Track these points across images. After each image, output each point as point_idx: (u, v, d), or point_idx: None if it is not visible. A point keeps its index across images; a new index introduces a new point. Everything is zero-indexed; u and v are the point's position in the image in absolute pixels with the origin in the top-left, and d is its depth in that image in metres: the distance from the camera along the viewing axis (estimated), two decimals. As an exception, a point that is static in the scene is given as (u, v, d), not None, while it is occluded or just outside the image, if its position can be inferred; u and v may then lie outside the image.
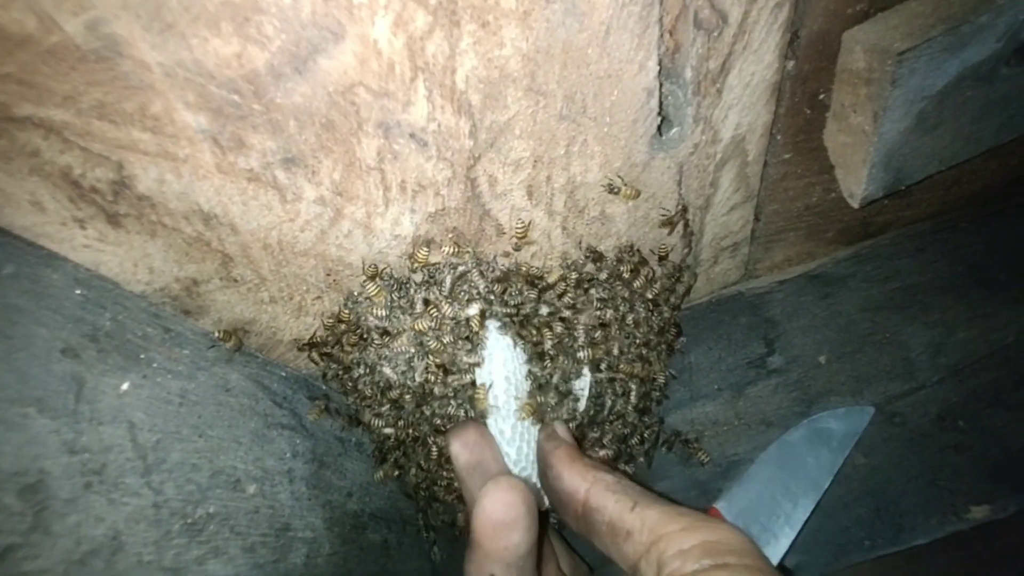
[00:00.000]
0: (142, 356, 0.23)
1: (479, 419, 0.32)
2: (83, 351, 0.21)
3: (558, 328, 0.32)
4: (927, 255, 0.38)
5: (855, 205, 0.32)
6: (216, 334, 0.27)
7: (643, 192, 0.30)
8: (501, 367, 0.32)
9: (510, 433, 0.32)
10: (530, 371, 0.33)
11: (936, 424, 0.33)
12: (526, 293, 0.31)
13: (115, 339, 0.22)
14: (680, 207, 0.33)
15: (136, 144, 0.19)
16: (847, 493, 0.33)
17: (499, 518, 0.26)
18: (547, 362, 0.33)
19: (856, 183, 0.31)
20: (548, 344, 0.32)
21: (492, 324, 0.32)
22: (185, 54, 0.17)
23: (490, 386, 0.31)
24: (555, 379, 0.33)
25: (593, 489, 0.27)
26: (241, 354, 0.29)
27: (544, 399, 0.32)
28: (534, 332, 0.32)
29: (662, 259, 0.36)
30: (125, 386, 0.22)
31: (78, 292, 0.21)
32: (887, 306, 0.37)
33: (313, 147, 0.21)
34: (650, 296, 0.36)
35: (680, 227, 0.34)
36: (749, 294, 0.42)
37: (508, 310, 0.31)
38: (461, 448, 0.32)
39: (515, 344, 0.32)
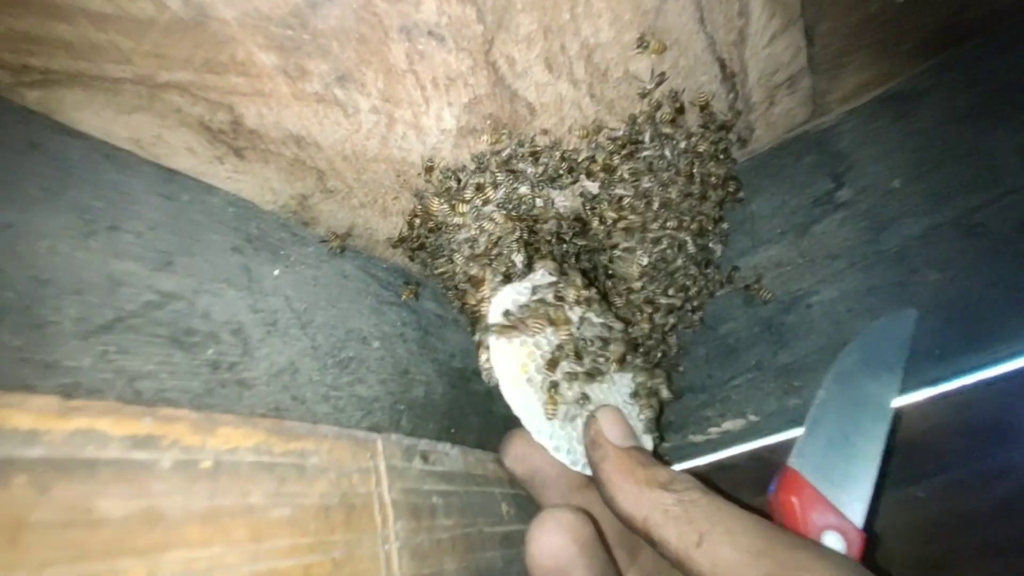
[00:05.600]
0: (281, 252, 0.32)
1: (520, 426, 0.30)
2: (244, 249, 0.29)
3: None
4: (1021, 50, 0.33)
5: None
6: (328, 238, 0.35)
7: (666, 41, 0.30)
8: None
9: (548, 431, 0.31)
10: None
11: (1020, 230, 0.31)
12: (560, 163, 0.34)
13: (262, 241, 0.31)
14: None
15: (236, 88, 0.26)
16: (917, 309, 0.33)
17: (549, 566, 0.23)
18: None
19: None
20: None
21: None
22: (247, 4, 0.23)
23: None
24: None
25: (651, 519, 0.23)
26: (351, 251, 0.37)
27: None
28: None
29: (703, 109, 0.36)
30: (276, 272, 0.30)
31: (231, 210, 0.30)
32: (970, 115, 0.33)
33: (356, 62, 0.26)
34: (701, 150, 0.37)
35: (718, 69, 0.34)
36: (815, 131, 0.39)
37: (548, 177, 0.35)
38: (513, 463, 0.31)
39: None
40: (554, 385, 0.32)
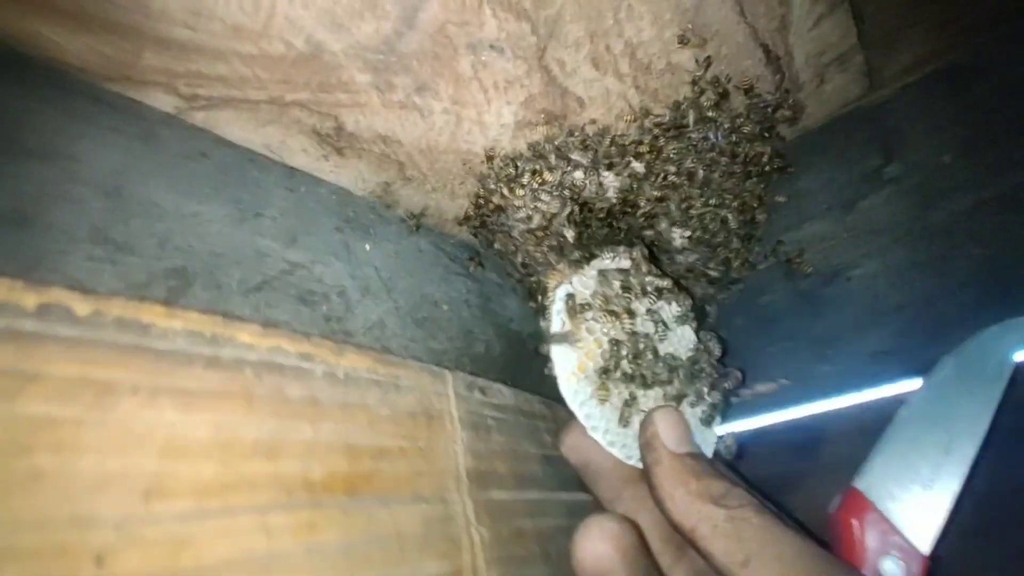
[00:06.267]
0: (371, 231, 0.39)
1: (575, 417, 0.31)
2: (344, 229, 0.37)
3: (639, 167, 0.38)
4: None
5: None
6: (406, 218, 0.42)
7: (706, 35, 0.33)
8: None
9: (604, 426, 0.31)
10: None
11: None
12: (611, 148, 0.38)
13: (356, 222, 0.38)
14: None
15: (340, 102, 0.32)
16: (951, 283, 0.34)
17: (589, 570, 0.24)
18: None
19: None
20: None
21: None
22: (350, 39, 0.29)
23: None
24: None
25: (699, 531, 0.24)
26: (424, 229, 0.44)
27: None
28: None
29: (747, 92, 0.37)
30: (367, 247, 0.38)
31: (333, 197, 0.38)
32: None
33: (431, 75, 0.32)
34: (746, 131, 0.39)
35: (761, 54, 0.35)
36: (868, 106, 0.40)
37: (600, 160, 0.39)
38: (568, 451, 0.32)
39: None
40: (605, 372, 0.32)
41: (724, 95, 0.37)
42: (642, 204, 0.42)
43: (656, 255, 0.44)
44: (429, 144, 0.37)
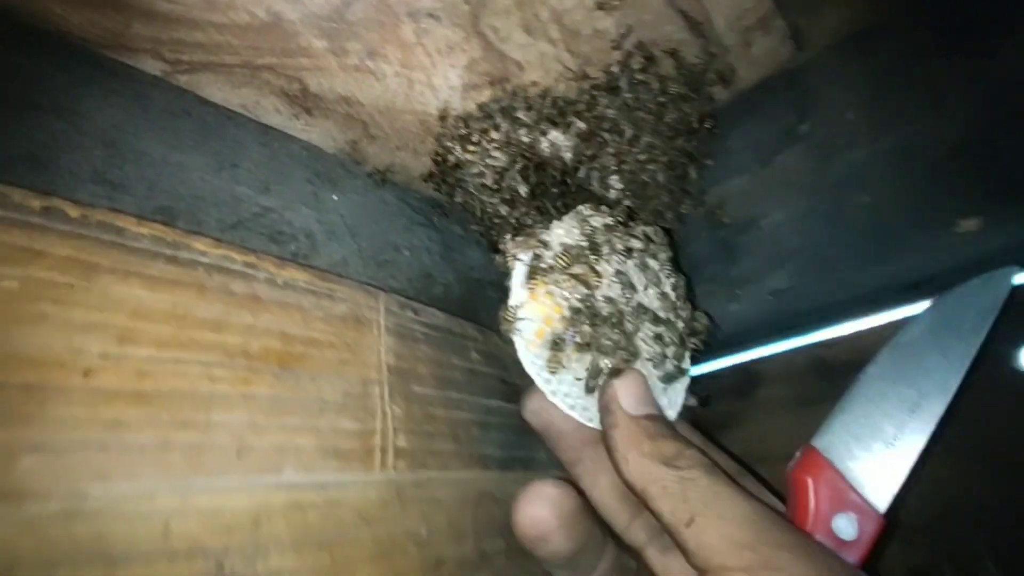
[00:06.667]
0: (338, 184, 0.44)
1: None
2: (314, 180, 0.42)
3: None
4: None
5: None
6: (372, 173, 0.47)
7: (623, 2, 0.37)
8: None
9: (563, 389, 0.30)
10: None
11: (950, 155, 0.34)
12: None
13: (325, 176, 0.43)
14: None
15: (303, 66, 0.37)
16: (842, 229, 0.38)
17: (527, 533, 0.26)
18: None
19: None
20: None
21: None
22: (304, 8, 0.34)
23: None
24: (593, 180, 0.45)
25: (649, 491, 0.24)
26: (391, 184, 0.49)
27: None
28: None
29: (672, 55, 0.41)
30: (335, 197, 0.43)
31: (304, 153, 0.43)
32: (926, 50, 0.36)
33: (379, 41, 0.36)
34: (672, 92, 0.43)
35: (681, 20, 0.39)
36: (792, 68, 0.43)
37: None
38: (529, 416, 0.32)
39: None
40: (557, 344, 0.31)
41: (650, 59, 0.41)
42: (584, 160, 0.46)
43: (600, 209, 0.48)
44: (387, 105, 0.42)
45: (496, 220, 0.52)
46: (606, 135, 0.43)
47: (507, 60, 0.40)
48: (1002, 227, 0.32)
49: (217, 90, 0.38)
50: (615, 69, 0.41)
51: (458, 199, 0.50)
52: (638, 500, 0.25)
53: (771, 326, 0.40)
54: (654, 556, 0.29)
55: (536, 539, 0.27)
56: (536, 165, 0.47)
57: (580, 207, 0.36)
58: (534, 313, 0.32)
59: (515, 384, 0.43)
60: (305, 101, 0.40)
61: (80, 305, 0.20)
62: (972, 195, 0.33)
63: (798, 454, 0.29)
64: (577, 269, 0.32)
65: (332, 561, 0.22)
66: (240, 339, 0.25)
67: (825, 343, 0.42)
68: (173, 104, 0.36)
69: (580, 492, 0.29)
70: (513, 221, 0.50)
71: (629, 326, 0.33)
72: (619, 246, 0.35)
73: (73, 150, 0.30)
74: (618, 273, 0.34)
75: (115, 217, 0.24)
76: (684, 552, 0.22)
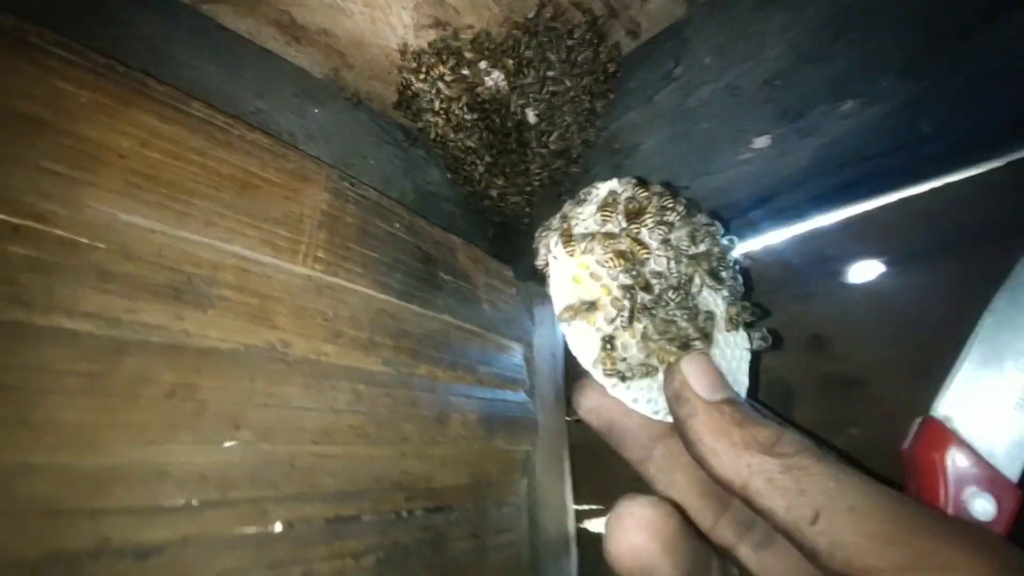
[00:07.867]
0: (320, 101, 0.58)
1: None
2: (300, 95, 0.56)
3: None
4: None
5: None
6: (350, 96, 0.60)
7: (534, -40, 0.48)
8: None
9: (624, 384, 0.27)
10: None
11: (761, 87, 0.44)
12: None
13: (311, 93, 0.57)
14: None
15: (293, 1, 0.50)
16: (689, 150, 0.48)
17: (629, 567, 0.22)
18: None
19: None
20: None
21: None
22: None
23: None
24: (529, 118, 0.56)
25: (752, 487, 0.21)
26: (367, 108, 0.62)
27: None
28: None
29: (578, 7, 0.52)
30: (317, 111, 0.57)
31: (296, 74, 0.56)
32: (767, 2, 0.45)
33: (345, -15, 0.49)
34: (576, 36, 0.53)
35: (581, -22, 0.50)
36: (680, 22, 0.53)
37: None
38: (587, 415, 0.29)
39: None
40: (610, 341, 0.28)
41: (560, 10, 0.52)
42: (512, 93, 0.58)
43: (526, 142, 0.60)
44: (358, 39, 0.55)
45: (448, 143, 0.64)
46: (527, 71, 0.55)
47: (446, 5, 0.52)
48: (787, 145, 0.42)
49: (228, 19, 0.51)
50: (531, 15, 0.53)
51: (420, 125, 0.63)
52: (736, 497, 0.22)
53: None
54: (748, 555, 0.26)
55: (640, 572, 0.22)
56: (478, 99, 0.59)
57: (597, 183, 0.35)
58: (583, 294, 0.29)
59: (430, 254, 0.56)
60: (295, 31, 0.53)
61: (114, 120, 0.34)
62: (768, 119, 0.43)
63: (915, 427, 0.26)
64: (620, 244, 0.30)
65: (261, 304, 0.37)
66: (215, 164, 0.39)
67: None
68: (197, 25, 0.50)
69: (676, 506, 0.25)
70: (461, 146, 0.63)
71: (688, 300, 0.30)
72: (663, 212, 0.32)
73: (124, 52, 0.45)
74: (665, 242, 0.31)
75: (145, 79, 0.38)
76: (810, 554, 0.19)
